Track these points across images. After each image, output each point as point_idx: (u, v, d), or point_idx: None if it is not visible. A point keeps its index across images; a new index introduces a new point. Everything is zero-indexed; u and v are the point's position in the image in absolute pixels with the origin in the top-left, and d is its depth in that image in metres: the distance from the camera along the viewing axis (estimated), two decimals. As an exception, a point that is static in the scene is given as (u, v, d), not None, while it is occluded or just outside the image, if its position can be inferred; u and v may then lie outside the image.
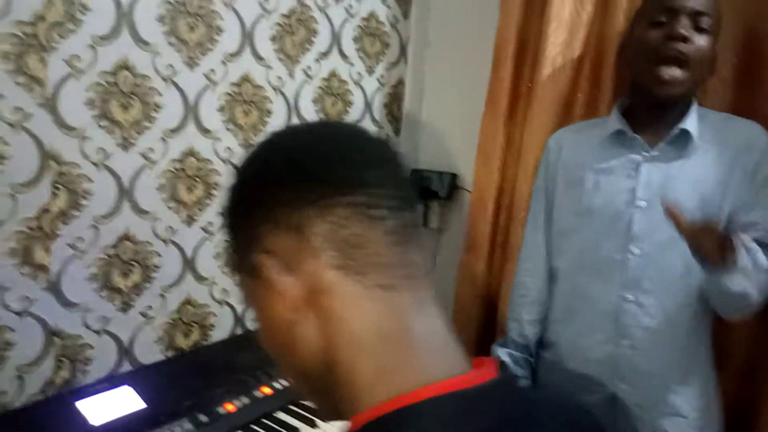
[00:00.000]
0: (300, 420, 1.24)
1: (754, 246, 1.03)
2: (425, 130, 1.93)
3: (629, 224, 1.16)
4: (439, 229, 1.86)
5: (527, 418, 0.48)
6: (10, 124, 1.09)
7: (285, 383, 1.33)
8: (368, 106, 1.82)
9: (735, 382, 1.27)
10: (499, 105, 1.59)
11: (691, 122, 1.14)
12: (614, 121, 1.21)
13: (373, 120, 1.85)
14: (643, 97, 1.18)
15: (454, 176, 1.82)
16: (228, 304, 1.54)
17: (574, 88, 1.51)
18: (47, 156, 1.14)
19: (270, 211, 0.51)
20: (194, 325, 1.47)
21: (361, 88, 1.79)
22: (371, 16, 1.77)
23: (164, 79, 1.30)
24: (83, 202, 1.21)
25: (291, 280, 0.50)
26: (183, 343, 1.45)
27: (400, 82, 1.92)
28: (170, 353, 1.43)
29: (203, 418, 1.17)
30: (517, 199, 1.56)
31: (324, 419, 0.58)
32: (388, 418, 0.45)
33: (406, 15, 1.88)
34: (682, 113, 1.15)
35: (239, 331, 1.58)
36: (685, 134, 1.13)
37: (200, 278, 1.46)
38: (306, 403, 1.31)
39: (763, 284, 1.04)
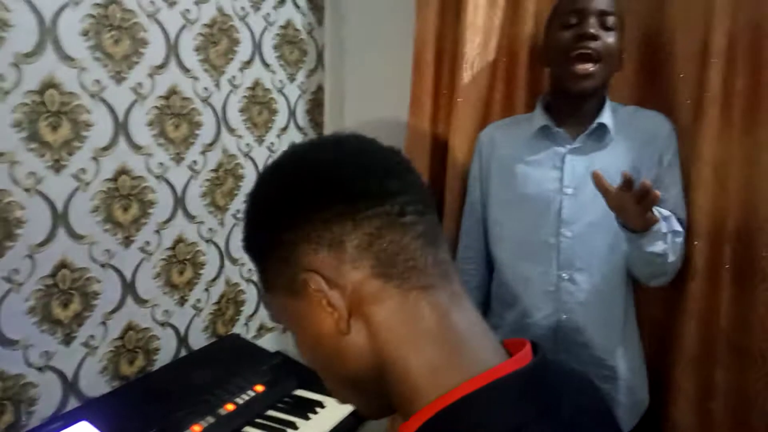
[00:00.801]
0: (272, 430, 1.24)
1: (667, 212, 1.19)
2: (348, 134, 1.96)
3: (559, 210, 1.28)
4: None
5: (565, 400, 0.54)
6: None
7: (247, 398, 1.32)
8: (292, 113, 1.83)
9: (652, 343, 1.44)
10: (423, 108, 1.66)
11: (606, 116, 1.27)
12: (539, 117, 1.33)
13: (298, 127, 1.86)
14: (562, 93, 1.31)
15: (381, 177, 1.88)
16: (171, 325, 1.48)
17: (491, 88, 1.62)
18: (-28, 183, 1.05)
19: (307, 232, 0.53)
20: (138, 350, 1.41)
21: (284, 95, 1.79)
22: (289, 24, 1.78)
23: (92, 96, 1.23)
24: (17, 231, 1.12)
25: (336, 294, 0.52)
26: (128, 370, 1.39)
27: (320, 89, 1.94)
28: (116, 383, 1.35)
29: (172, 443, 1.14)
30: (447, 196, 1.64)
31: (369, 418, 0.62)
32: (455, 408, 0.49)
33: (320, 22, 1.91)
34: (598, 107, 1.29)
35: (183, 353, 1.53)
36: (602, 127, 1.27)
37: (141, 301, 1.40)
38: (271, 414, 1.30)
39: (676, 246, 1.20)
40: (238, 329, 1.71)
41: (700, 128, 1.30)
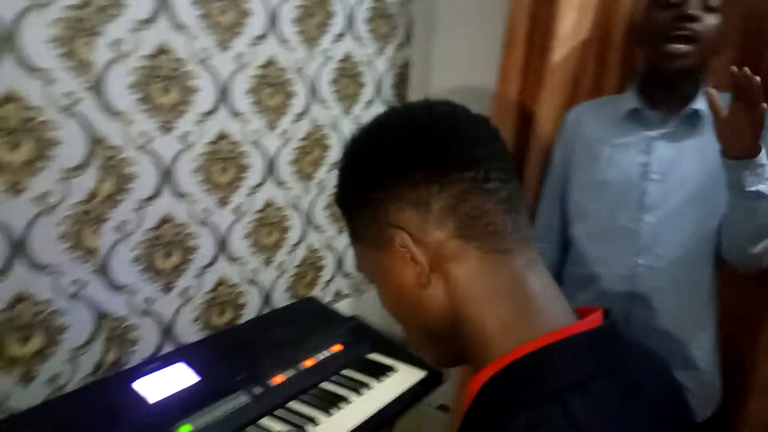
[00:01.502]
0: (346, 389, 1.30)
1: None
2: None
3: (642, 196, 1.25)
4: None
5: (631, 362, 0.56)
6: (62, 109, 1.09)
7: (324, 356, 1.39)
8: (378, 87, 1.86)
9: (733, 338, 1.38)
10: (511, 84, 1.65)
11: (701, 102, 1.22)
12: (630, 99, 1.29)
13: (384, 101, 1.89)
14: (655, 74, 1.26)
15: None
16: (257, 283, 1.58)
17: (582, 67, 1.58)
18: (95, 141, 1.15)
19: (396, 191, 0.56)
20: (227, 304, 1.51)
21: (373, 69, 1.83)
22: (381, -3, 1.80)
23: (200, 62, 1.31)
24: (128, 186, 1.23)
25: (419, 250, 0.56)
26: (218, 321, 1.49)
27: (407, 63, 1.96)
28: (206, 332, 1.46)
29: (257, 389, 1.22)
30: (529, 172, 1.64)
31: (441, 366, 0.65)
32: (523, 361, 0.52)
33: (411, -3, 1.92)
34: (694, 91, 1.24)
35: (266, 310, 1.62)
36: (697, 113, 1.22)
37: (232, 259, 1.49)
38: (347, 373, 1.37)
39: None
40: (316, 293, 1.78)
41: None
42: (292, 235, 1.66)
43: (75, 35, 1.09)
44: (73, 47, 1.09)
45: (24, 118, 1.04)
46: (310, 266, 1.74)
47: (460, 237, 0.55)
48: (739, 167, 1.06)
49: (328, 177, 1.73)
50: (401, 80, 1.95)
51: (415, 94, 1.99)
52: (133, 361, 1.31)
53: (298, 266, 1.70)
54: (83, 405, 1.11)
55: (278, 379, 1.27)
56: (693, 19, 1.15)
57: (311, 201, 1.70)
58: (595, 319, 0.56)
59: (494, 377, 0.53)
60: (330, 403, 1.24)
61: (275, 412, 1.20)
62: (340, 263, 1.85)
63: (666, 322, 1.26)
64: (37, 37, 1.04)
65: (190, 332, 1.42)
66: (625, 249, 1.27)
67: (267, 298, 1.62)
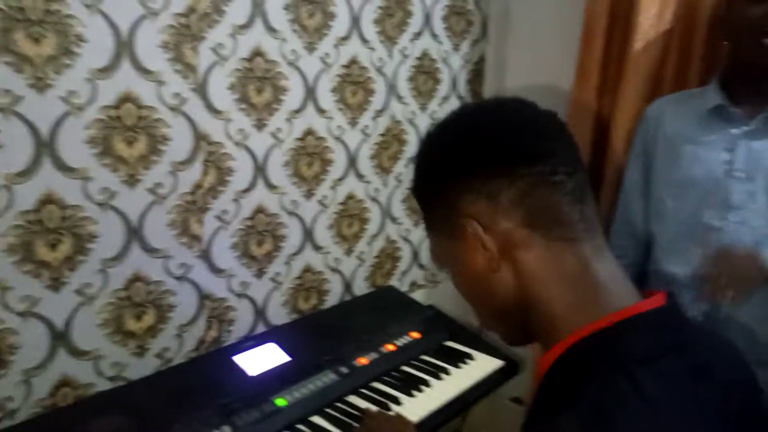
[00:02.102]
0: (425, 373, 1.36)
1: None
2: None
3: (726, 194, 1.23)
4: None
5: (698, 342, 0.59)
6: (171, 108, 1.21)
7: (404, 341, 1.45)
8: (454, 82, 1.91)
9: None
10: (590, 78, 1.66)
11: None
12: (714, 95, 1.27)
13: (459, 97, 1.93)
14: (745, 70, 1.24)
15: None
16: (339, 272, 1.66)
17: (663, 60, 1.57)
18: (199, 137, 1.26)
19: (469, 184, 0.61)
20: (313, 290, 1.60)
21: (448, 65, 1.87)
22: (458, -5, 1.84)
23: (289, 64, 1.41)
24: (227, 178, 1.33)
25: (490, 238, 0.60)
26: (304, 306, 1.58)
27: (482, 59, 1.99)
28: (294, 315, 1.56)
29: (343, 369, 1.30)
30: (608, 168, 1.64)
31: (511, 344, 0.70)
32: (592, 338, 0.56)
33: (487, -6, 1.95)
34: None
35: (347, 298, 1.71)
36: None
37: (317, 248, 1.58)
38: (426, 358, 1.43)
39: None
40: (393, 282, 1.85)
41: None
42: (371, 227, 1.73)
43: (182, 41, 1.20)
44: (180, 51, 1.20)
45: (139, 116, 1.16)
46: (388, 257, 1.81)
47: (528, 226, 0.59)
48: None
49: (405, 171, 1.80)
50: (476, 76, 1.98)
51: (489, 90, 2.02)
52: (230, 339, 1.42)
53: (376, 256, 1.77)
54: (194, 374, 1.23)
55: (362, 360, 1.35)
56: None
57: (389, 194, 1.77)
58: (658, 299, 0.59)
59: (565, 353, 0.57)
60: (411, 385, 1.30)
61: (360, 390, 1.27)
62: (415, 255, 1.91)
63: (749, 319, 1.24)
64: (150, 42, 1.16)
65: (279, 315, 1.52)
66: (709, 248, 1.26)
67: (348, 286, 1.70)
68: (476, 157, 0.61)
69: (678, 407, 0.52)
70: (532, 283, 0.60)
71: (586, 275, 0.59)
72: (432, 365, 1.40)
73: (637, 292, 0.61)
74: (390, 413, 1.08)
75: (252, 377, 1.24)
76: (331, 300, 1.66)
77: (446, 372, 1.37)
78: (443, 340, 1.52)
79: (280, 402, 1.17)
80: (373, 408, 1.20)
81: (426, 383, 1.32)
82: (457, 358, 1.43)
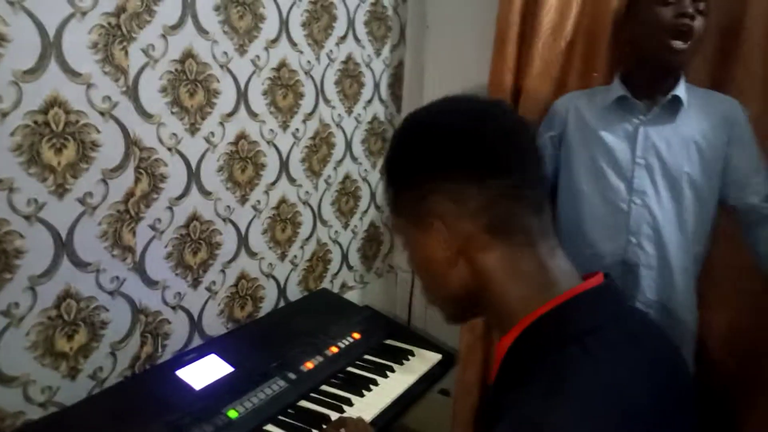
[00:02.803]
0: (371, 372, 1.38)
1: None
2: (427, 107, 2.07)
3: (630, 179, 1.37)
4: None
5: (631, 316, 0.68)
6: (101, 112, 1.14)
7: (347, 343, 1.47)
8: (377, 86, 1.94)
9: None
10: (503, 82, 1.75)
11: (681, 90, 1.35)
12: (617, 88, 1.41)
13: (381, 100, 1.97)
14: (648, 67, 1.37)
15: (458, 149, 1.98)
16: (273, 277, 1.64)
17: (568, 66, 1.69)
18: (131, 143, 1.20)
19: (441, 185, 0.65)
20: (248, 297, 1.57)
21: (371, 69, 1.91)
22: (378, 0, 1.88)
23: (221, 66, 1.37)
24: (160, 185, 1.28)
25: (451, 239, 0.65)
26: (240, 314, 1.55)
27: (401, 63, 2.05)
28: (230, 325, 1.52)
29: (291, 375, 1.29)
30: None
31: (451, 323, 0.74)
32: (546, 316, 0.62)
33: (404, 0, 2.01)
34: (674, 84, 1.36)
35: (281, 303, 1.69)
36: (676, 100, 1.35)
37: (252, 254, 1.55)
38: (369, 358, 1.45)
39: None
40: (325, 285, 1.85)
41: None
42: (304, 231, 1.73)
43: (112, 41, 1.14)
44: (110, 52, 1.14)
45: (68, 121, 1.08)
46: (319, 260, 1.81)
47: (490, 232, 0.64)
48: None
49: (333, 174, 1.81)
50: (396, 80, 2.03)
51: (408, 94, 2.08)
52: (165, 354, 1.36)
53: (308, 260, 1.77)
54: (136, 393, 1.16)
55: (308, 365, 1.34)
56: (691, 17, 1.27)
57: (320, 197, 1.77)
58: (598, 279, 0.66)
59: (521, 336, 0.63)
60: (360, 385, 1.32)
61: (311, 395, 1.27)
62: (345, 257, 1.92)
63: (652, 300, 1.37)
64: (79, 42, 1.08)
65: (215, 325, 1.48)
66: (618, 229, 1.39)
67: (282, 291, 1.68)
68: (452, 161, 0.64)
69: (622, 367, 0.59)
70: (487, 280, 0.65)
71: (539, 272, 0.65)
72: (376, 364, 1.42)
73: (580, 277, 0.67)
74: (360, 419, 1.08)
75: (198, 391, 1.20)
76: (266, 306, 1.63)
77: (391, 369, 1.40)
78: (382, 338, 1.55)
79: (232, 414, 1.14)
80: (327, 411, 1.21)
81: (374, 382, 1.34)
82: (399, 356, 1.47)
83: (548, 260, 0.65)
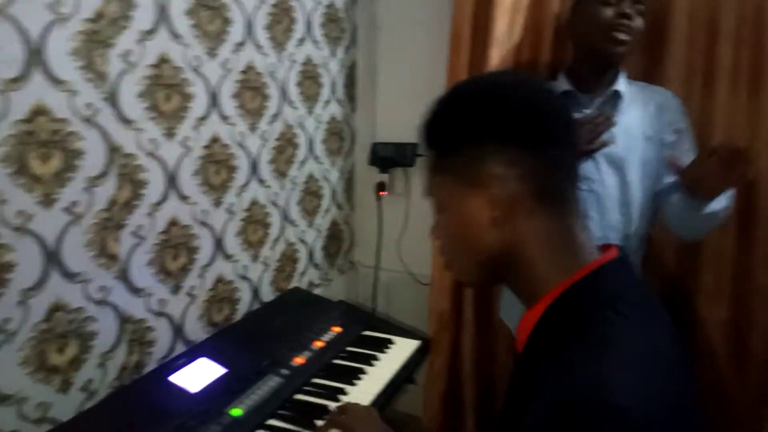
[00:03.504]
0: (358, 362, 1.43)
1: None
2: (382, 106, 2.13)
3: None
4: (406, 194, 2.10)
5: (640, 281, 0.76)
6: (84, 119, 1.12)
7: (330, 337, 1.51)
8: (333, 87, 1.99)
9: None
10: (459, 77, 1.85)
11: (621, 85, 1.48)
12: (562, 83, 1.53)
13: (338, 100, 2.02)
14: (591, 60, 1.48)
15: (414, 146, 2.06)
16: (247, 278, 1.65)
17: (518, 58, 1.81)
18: (112, 149, 1.19)
19: (498, 149, 0.69)
20: (225, 300, 1.57)
21: (328, 70, 1.95)
22: (332, 2, 1.92)
23: (193, 70, 1.37)
24: (141, 191, 1.27)
25: (502, 200, 0.69)
26: (218, 317, 1.55)
27: (354, 64, 2.10)
28: (209, 329, 1.52)
29: (284, 371, 1.32)
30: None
31: (470, 285, 0.80)
32: (580, 283, 0.68)
33: (354, 1, 2.06)
34: (614, 76, 1.49)
35: (256, 304, 1.70)
36: (617, 94, 1.48)
37: (227, 256, 1.56)
38: (352, 349, 1.49)
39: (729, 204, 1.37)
40: (294, 284, 1.88)
41: (710, 98, 1.53)
42: (273, 231, 1.75)
43: (92, 47, 1.12)
44: (91, 59, 1.12)
45: (52, 130, 1.06)
46: (288, 259, 1.84)
47: (537, 198, 0.69)
48: (701, 204, 1.29)
49: (298, 174, 1.84)
50: (350, 81, 2.08)
51: (362, 94, 2.13)
52: (151, 363, 1.35)
53: (278, 260, 1.79)
54: (134, 402, 1.15)
55: (298, 360, 1.38)
56: (631, 17, 1.40)
57: (286, 197, 1.79)
58: (614, 252, 0.73)
59: (556, 301, 0.69)
60: (350, 375, 1.37)
61: (306, 388, 1.30)
62: (311, 255, 1.96)
63: None
64: (61, 49, 1.07)
65: (196, 330, 1.47)
66: None
67: (256, 292, 1.69)
68: (515, 129, 0.69)
69: (651, 327, 0.67)
70: (522, 246, 0.70)
71: (570, 241, 0.71)
72: (361, 355, 1.47)
73: (597, 248, 0.74)
74: (359, 404, 1.12)
75: (195, 394, 1.21)
76: (242, 308, 1.64)
77: (376, 358, 1.46)
78: (361, 330, 1.60)
79: (236, 412, 1.16)
80: (324, 401, 1.25)
81: (362, 371, 1.39)
82: (381, 345, 1.53)
83: (579, 231, 0.71)
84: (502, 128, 0.69)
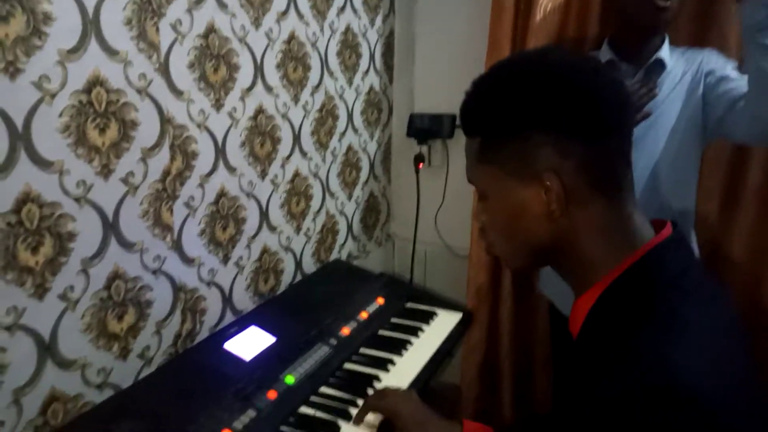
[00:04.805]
0: (403, 333, 1.44)
1: None
2: (419, 76, 2.11)
3: None
4: (443, 166, 2.09)
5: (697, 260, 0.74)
6: (138, 90, 1.13)
7: (373, 308, 1.52)
8: (372, 57, 1.96)
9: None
10: (502, 50, 1.82)
11: (664, 52, 1.42)
12: (605, 53, 1.49)
13: (375, 70, 1.99)
14: (633, 28, 1.44)
15: (453, 117, 2.04)
16: (291, 250, 1.66)
17: (563, 29, 1.77)
18: (165, 120, 1.19)
19: (555, 137, 0.66)
20: (270, 271, 1.59)
21: (367, 39, 1.92)
22: (371, -29, 1.89)
23: (240, 41, 1.37)
24: (192, 162, 1.28)
25: (559, 191, 0.67)
26: (264, 288, 1.57)
27: (392, 33, 2.07)
28: (255, 298, 1.54)
29: (332, 341, 1.33)
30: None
31: (515, 270, 0.78)
32: (635, 266, 0.66)
33: (393, -31, 2.02)
34: (659, 46, 1.44)
35: (299, 275, 1.72)
36: (660, 62, 1.42)
37: (272, 228, 1.57)
38: (397, 321, 1.50)
39: None
40: (334, 256, 1.89)
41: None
42: (314, 203, 1.75)
43: (144, 17, 1.12)
44: (143, 29, 1.12)
45: (109, 100, 1.07)
46: (329, 231, 1.85)
47: (592, 187, 0.67)
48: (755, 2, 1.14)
49: (338, 145, 1.83)
50: (388, 49, 2.06)
51: (400, 63, 2.10)
52: (203, 330, 1.37)
53: (319, 232, 1.80)
54: (192, 369, 1.18)
55: (345, 330, 1.39)
56: None
57: (327, 169, 1.79)
58: (668, 228, 0.71)
59: (612, 285, 0.67)
60: (397, 346, 1.38)
61: (354, 358, 1.32)
62: (350, 227, 1.96)
63: None
64: (115, 19, 1.06)
65: (243, 300, 1.50)
66: None
67: (299, 264, 1.71)
68: (571, 118, 0.65)
69: (714, 304, 0.66)
70: (576, 234, 0.68)
71: (624, 226, 0.69)
72: (406, 327, 1.48)
73: (651, 226, 0.72)
74: (397, 388, 1.10)
75: (249, 362, 1.23)
76: (286, 279, 1.66)
77: (421, 330, 1.47)
78: (405, 302, 1.60)
79: (289, 379, 1.18)
80: (373, 371, 1.26)
81: (409, 342, 1.40)
82: (424, 317, 1.53)
83: (633, 212, 0.69)
84: (557, 118, 0.66)
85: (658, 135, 1.41)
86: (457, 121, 2.04)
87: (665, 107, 1.41)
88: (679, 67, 1.43)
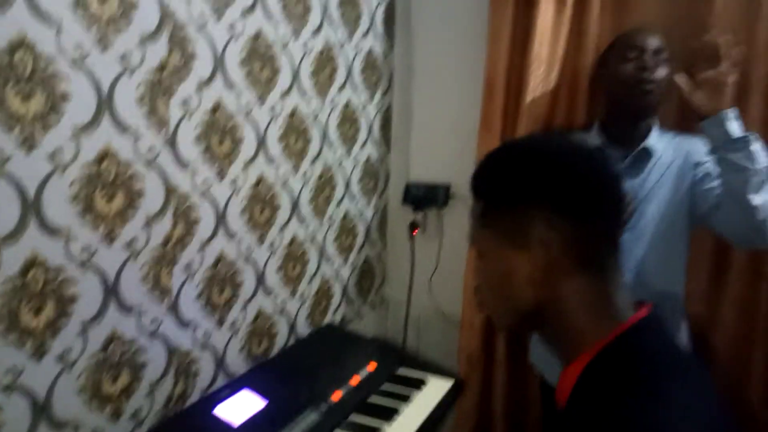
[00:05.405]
0: (395, 400, 1.45)
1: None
2: (415, 148, 2.20)
3: None
4: (438, 234, 2.15)
5: (672, 338, 0.78)
6: (146, 162, 1.20)
7: (365, 373, 1.54)
8: (370, 129, 2.06)
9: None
10: (493, 126, 1.91)
11: (651, 140, 1.47)
12: (595, 137, 1.56)
13: (374, 141, 2.09)
14: (621, 114, 1.52)
15: (447, 187, 2.12)
16: (285, 313, 1.70)
17: (552, 111, 1.87)
18: (169, 190, 1.26)
19: (548, 215, 0.71)
20: (264, 334, 1.62)
21: (366, 113, 2.03)
22: (371, 50, 2.01)
23: (245, 115, 1.46)
24: (193, 228, 1.34)
25: (544, 261, 0.72)
26: (257, 351, 1.60)
27: (389, 107, 2.18)
28: (249, 361, 1.56)
29: (323, 406, 1.35)
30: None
31: (501, 329, 0.81)
32: (617, 341, 0.71)
33: (391, 49, 2.15)
34: (646, 133, 1.49)
35: (292, 338, 1.75)
36: (647, 150, 1.47)
37: (267, 292, 1.61)
38: (387, 388, 1.52)
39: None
40: (328, 318, 1.92)
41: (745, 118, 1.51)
42: (311, 267, 1.80)
43: (156, 95, 1.21)
44: (155, 106, 1.21)
45: (117, 171, 1.14)
46: (323, 295, 1.89)
47: (579, 264, 0.72)
48: (719, 120, 1.27)
49: (336, 211, 1.90)
50: (386, 123, 2.16)
51: (396, 135, 2.20)
52: (195, 392, 1.39)
53: (314, 295, 1.84)
54: (181, 433, 1.20)
55: (336, 396, 1.41)
56: (651, 68, 1.43)
57: (324, 235, 1.85)
58: (648, 309, 0.75)
59: (597, 357, 0.71)
60: (387, 414, 1.39)
61: (342, 426, 1.33)
62: (345, 291, 2.00)
63: None
64: (128, 97, 1.15)
65: (237, 363, 1.52)
66: None
67: (292, 327, 1.74)
68: (566, 198, 0.71)
69: (691, 383, 0.69)
70: (559, 303, 0.73)
71: (608, 302, 0.74)
72: (396, 394, 1.50)
73: (632, 304, 0.77)
74: None
75: (237, 428, 1.25)
76: (279, 342, 1.69)
77: (412, 397, 1.48)
78: (396, 367, 1.63)
79: (277, 446, 1.20)
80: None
81: (398, 410, 1.42)
82: (416, 384, 1.55)
83: (615, 292, 0.74)
84: (555, 197, 0.72)
85: (647, 220, 1.45)
86: (451, 191, 2.13)
87: (653, 193, 1.46)
88: (669, 154, 1.47)
